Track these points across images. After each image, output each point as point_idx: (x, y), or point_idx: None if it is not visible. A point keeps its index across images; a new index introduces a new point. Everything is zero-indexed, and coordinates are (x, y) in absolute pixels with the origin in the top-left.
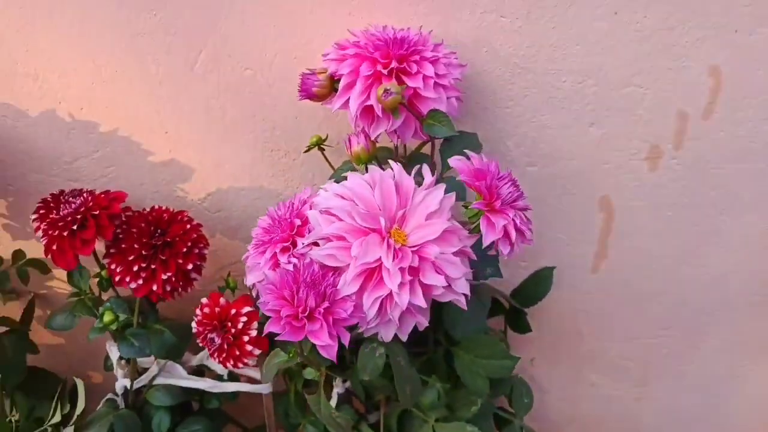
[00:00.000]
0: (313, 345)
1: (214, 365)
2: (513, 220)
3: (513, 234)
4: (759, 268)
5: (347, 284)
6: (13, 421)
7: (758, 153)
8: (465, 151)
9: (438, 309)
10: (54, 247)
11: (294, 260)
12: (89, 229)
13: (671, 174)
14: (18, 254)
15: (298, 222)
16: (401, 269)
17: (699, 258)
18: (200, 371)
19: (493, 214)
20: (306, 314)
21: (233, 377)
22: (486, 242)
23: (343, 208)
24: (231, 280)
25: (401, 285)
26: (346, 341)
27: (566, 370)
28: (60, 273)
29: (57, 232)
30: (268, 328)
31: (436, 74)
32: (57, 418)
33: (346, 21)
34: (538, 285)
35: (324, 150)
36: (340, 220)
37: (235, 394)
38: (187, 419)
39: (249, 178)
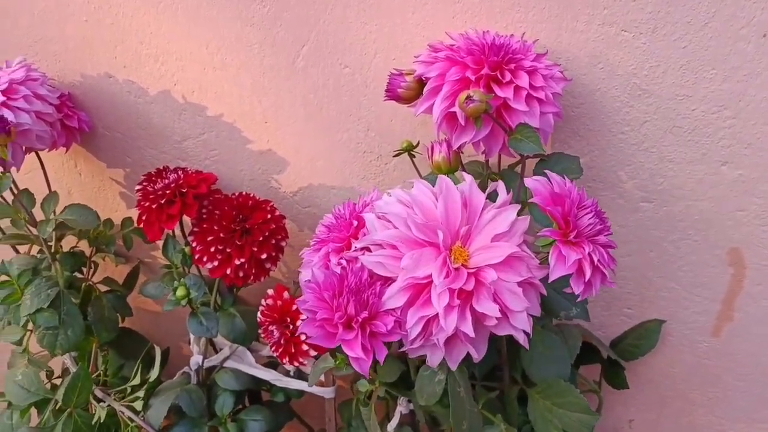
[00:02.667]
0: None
1: None
2: (589, 255)
3: (588, 271)
4: None
5: (392, 297)
6: (101, 374)
7: None
8: (546, 171)
9: (516, 343)
10: (144, 218)
11: (343, 263)
12: (175, 205)
13: None
14: (126, 221)
15: (355, 223)
16: (451, 290)
17: None
18: (274, 363)
19: (565, 245)
20: (343, 321)
21: (301, 375)
22: (553, 276)
23: (400, 215)
24: None
25: (448, 308)
26: (381, 358)
27: None
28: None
29: (148, 204)
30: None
31: (531, 86)
32: (137, 380)
33: (449, 24)
34: (642, 338)
35: (414, 156)
36: (396, 227)
37: (300, 392)
38: (251, 407)
39: (341, 177)
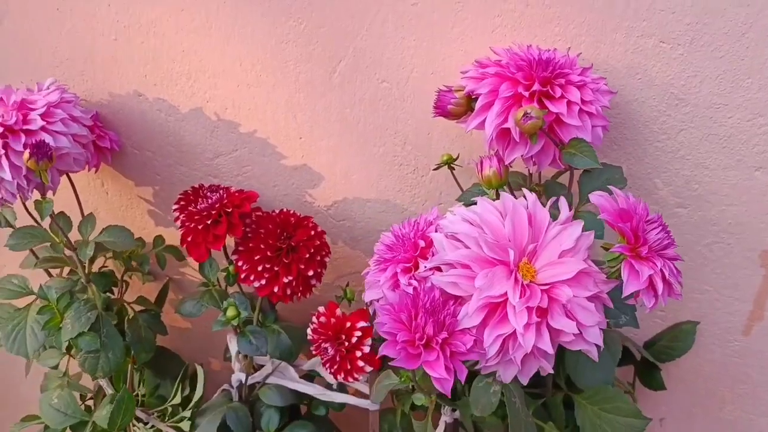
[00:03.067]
0: (426, 373)
1: (325, 373)
2: (661, 270)
3: (660, 286)
4: None
5: (468, 316)
6: (139, 395)
7: None
8: (609, 186)
9: (560, 351)
10: (189, 239)
11: (414, 283)
12: (221, 226)
13: None
14: (158, 240)
15: (422, 243)
16: (528, 308)
17: None
18: (311, 376)
19: (637, 261)
20: (423, 342)
21: (342, 388)
22: (627, 291)
23: (471, 234)
24: (349, 290)
25: (527, 326)
26: (462, 377)
27: None
28: (194, 261)
29: (193, 225)
30: (383, 350)
31: (582, 100)
32: (177, 399)
33: (489, 38)
34: (677, 340)
35: (454, 169)
36: (467, 247)
37: (342, 405)
38: (294, 422)
39: (376, 190)
